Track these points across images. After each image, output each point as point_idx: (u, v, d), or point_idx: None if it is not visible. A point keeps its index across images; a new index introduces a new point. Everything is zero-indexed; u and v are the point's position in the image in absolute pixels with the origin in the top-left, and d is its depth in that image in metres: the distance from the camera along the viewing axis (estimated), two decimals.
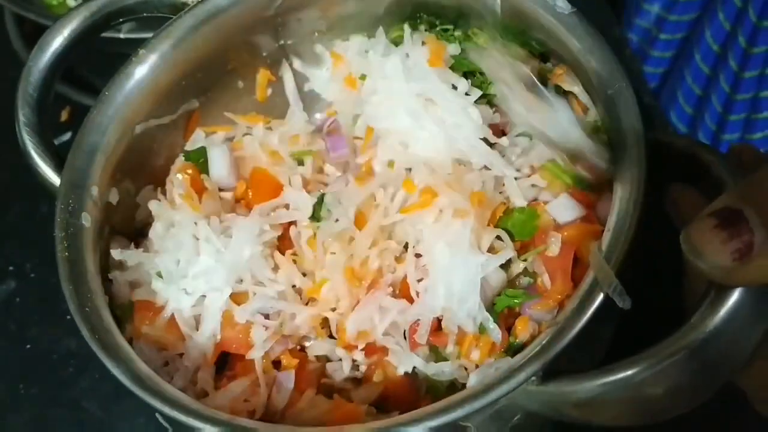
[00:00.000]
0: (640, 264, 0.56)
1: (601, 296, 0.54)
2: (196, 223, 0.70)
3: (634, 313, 0.53)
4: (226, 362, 0.70)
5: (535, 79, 0.69)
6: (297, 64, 0.82)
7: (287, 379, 0.67)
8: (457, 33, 0.75)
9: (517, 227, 0.68)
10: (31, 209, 1.02)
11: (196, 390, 0.67)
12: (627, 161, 0.59)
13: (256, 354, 0.67)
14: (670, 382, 0.51)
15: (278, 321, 0.68)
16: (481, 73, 0.75)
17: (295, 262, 0.71)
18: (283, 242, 0.72)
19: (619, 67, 0.63)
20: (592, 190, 0.67)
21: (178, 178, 0.74)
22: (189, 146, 0.78)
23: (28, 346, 0.94)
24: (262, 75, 0.81)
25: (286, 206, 0.73)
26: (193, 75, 0.76)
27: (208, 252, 0.68)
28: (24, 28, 1.20)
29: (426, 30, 0.76)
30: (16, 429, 0.90)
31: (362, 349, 0.67)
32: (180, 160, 0.77)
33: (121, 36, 0.97)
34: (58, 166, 0.71)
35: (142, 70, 0.73)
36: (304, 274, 0.71)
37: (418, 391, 0.66)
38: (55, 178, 0.71)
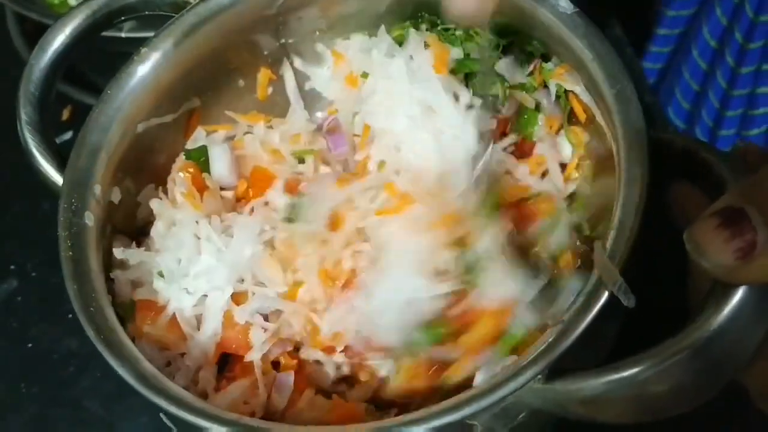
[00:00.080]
0: (641, 263, 0.56)
1: (605, 295, 0.54)
2: (197, 222, 0.70)
3: (634, 312, 0.54)
4: (226, 363, 0.70)
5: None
6: (298, 62, 0.82)
7: (286, 380, 0.67)
8: (459, 33, 0.75)
9: None
10: (33, 208, 1.01)
11: (197, 390, 0.67)
12: (630, 160, 0.59)
13: (254, 356, 0.67)
14: (674, 380, 0.52)
15: (277, 323, 0.68)
16: (485, 76, 0.75)
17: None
18: None
19: (622, 67, 0.63)
20: None
21: (180, 176, 0.74)
22: (190, 145, 0.78)
23: (29, 345, 0.94)
24: (263, 74, 0.81)
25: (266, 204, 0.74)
26: (194, 73, 0.76)
27: (210, 251, 0.68)
28: (25, 26, 1.19)
29: (427, 29, 0.76)
30: (16, 428, 0.90)
31: (341, 351, 0.67)
32: (181, 158, 0.77)
33: (123, 35, 0.96)
34: (60, 165, 0.71)
35: (144, 69, 0.73)
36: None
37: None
38: (57, 177, 0.71)
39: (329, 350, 0.67)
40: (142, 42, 0.73)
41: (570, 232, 0.67)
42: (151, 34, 0.74)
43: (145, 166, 0.75)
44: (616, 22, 1.06)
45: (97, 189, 0.68)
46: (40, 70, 0.74)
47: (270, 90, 0.82)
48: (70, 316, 0.62)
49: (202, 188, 0.74)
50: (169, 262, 0.69)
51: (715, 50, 0.95)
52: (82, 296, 0.63)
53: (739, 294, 0.49)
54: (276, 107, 0.82)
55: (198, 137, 0.78)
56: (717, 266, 0.46)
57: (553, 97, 0.74)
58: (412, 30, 0.75)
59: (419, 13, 0.76)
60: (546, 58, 0.73)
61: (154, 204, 0.72)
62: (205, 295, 0.68)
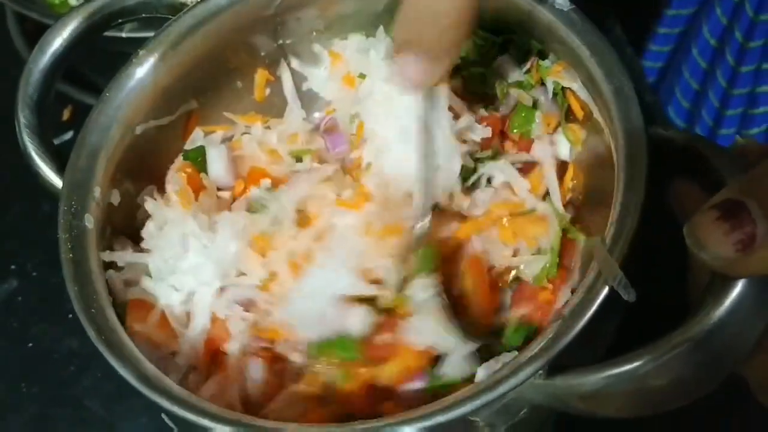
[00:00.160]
0: (641, 259, 0.56)
1: (606, 289, 0.54)
2: (185, 220, 0.70)
3: (634, 307, 0.54)
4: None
5: None
6: (295, 63, 0.82)
7: (256, 366, 0.67)
8: None
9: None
10: (33, 208, 1.01)
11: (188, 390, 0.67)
12: (629, 156, 0.59)
13: (233, 346, 0.67)
14: (674, 374, 0.52)
15: (254, 314, 0.68)
16: (482, 74, 0.75)
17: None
18: None
19: (619, 63, 0.63)
20: None
21: (175, 176, 0.74)
22: (188, 146, 0.79)
23: (30, 344, 0.94)
24: (261, 75, 0.82)
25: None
26: (192, 75, 0.76)
27: (196, 248, 0.69)
28: (26, 26, 1.20)
29: None
30: (17, 428, 0.90)
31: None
32: (179, 159, 0.77)
33: (123, 35, 0.96)
34: (59, 167, 0.71)
35: (141, 71, 0.73)
36: None
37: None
38: (55, 180, 0.71)
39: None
40: (142, 42, 0.73)
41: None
42: (151, 34, 0.74)
43: (145, 168, 0.75)
44: (615, 21, 1.06)
45: (97, 191, 0.69)
46: (39, 72, 0.74)
47: (267, 91, 0.83)
48: (71, 316, 0.62)
49: (198, 188, 0.74)
50: (157, 260, 0.69)
51: (715, 49, 0.95)
52: (83, 298, 0.63)
53: (738, 287, 0.49)
54: (274, 108, 0.83)
55: (196, 138, 0.79)
56: (716, 259, 0.46)
57: (551, 95, 0.74)
58: None
59: None
60: (543, 55, 0.73)
61: (149, 204, 0.72)
62: (194, 293, 0.69)
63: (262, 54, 0.81)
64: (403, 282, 0.65)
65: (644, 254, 0.56)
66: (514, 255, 0.70)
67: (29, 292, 0.98)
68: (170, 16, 0.75)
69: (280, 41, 0.80)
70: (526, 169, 0.74)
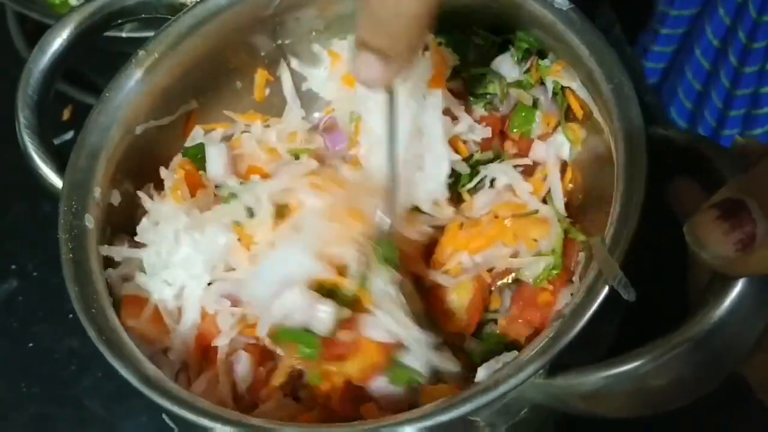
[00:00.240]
0: (641, 258, 0.56)
1: (606, 289, 0.54)
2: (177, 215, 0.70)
3: (634, 306, 0.54)
4: None
5: None
6: (294, 63, 0.82)
7: (243, 359, 0.67)
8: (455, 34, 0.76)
9: None
10: (33, 208, 1.02)
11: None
12: (629, 155, 0.59)
13: (222, 341, 0.67)
14: (674, 373, 0.52)
15: (241, 308, 0.68)
16: (482, 74, 0.75)
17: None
18: None
19: (619, 62, 0.63)
20: None
21: (172, 173, 0.74)
22: (188, 143, 0.79)
23: (30, 344, 0.94)
24: (260, 75, 0.82)
25: None
26: (191, 75, 0.76)
27: (187, 242, 0.69)
28: (26, 26, 1.19)
29: None
30: (17, 428, 0.90)
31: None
32: (178, 156, 0.77)
33: (124, 35, 0.96)
34: (59, 167, 0.71)
35: (141, 71, 0.73)
36: None
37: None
38: (56, 180, 0.71)
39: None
40: (142, 42, 0.73)
41: None
42: (151, 34, 0.74)
43: (145, 168, 0.75)
44: (615, 21, 1.06)
45: (97, 191, 0.69)
46: (39, 72, 0.74)
47: (267, 91, 0.83)
48: (71, 315, 0.62)
49: (197, 185, 0.74)
50: (150, 255, 0.69)
51: (718, 50, 0.95)
52: (84, 298, 0.63)
53: (738, 286, 0.49)
54: (273, 108, 0.83)
55: (196, 135, 0.79)
56: (716, 258, 0.46)
57: (550, 94, 0.74)
58: None
59: None
60: (542, 55, 0.74)
61: (146, 202, 0.72)
62: (185, 286, 0.69)
63: (262, 54, 0.81)
64: (364, 273, 0.65)
65: (644, 254, 0.56)
66: (514, 256, 0.70)
67: (29, 292, 0.98)
68: (170, 16, 0.75)
69: (280, 41, 0.80)
70: (528, 171, 0.74)
